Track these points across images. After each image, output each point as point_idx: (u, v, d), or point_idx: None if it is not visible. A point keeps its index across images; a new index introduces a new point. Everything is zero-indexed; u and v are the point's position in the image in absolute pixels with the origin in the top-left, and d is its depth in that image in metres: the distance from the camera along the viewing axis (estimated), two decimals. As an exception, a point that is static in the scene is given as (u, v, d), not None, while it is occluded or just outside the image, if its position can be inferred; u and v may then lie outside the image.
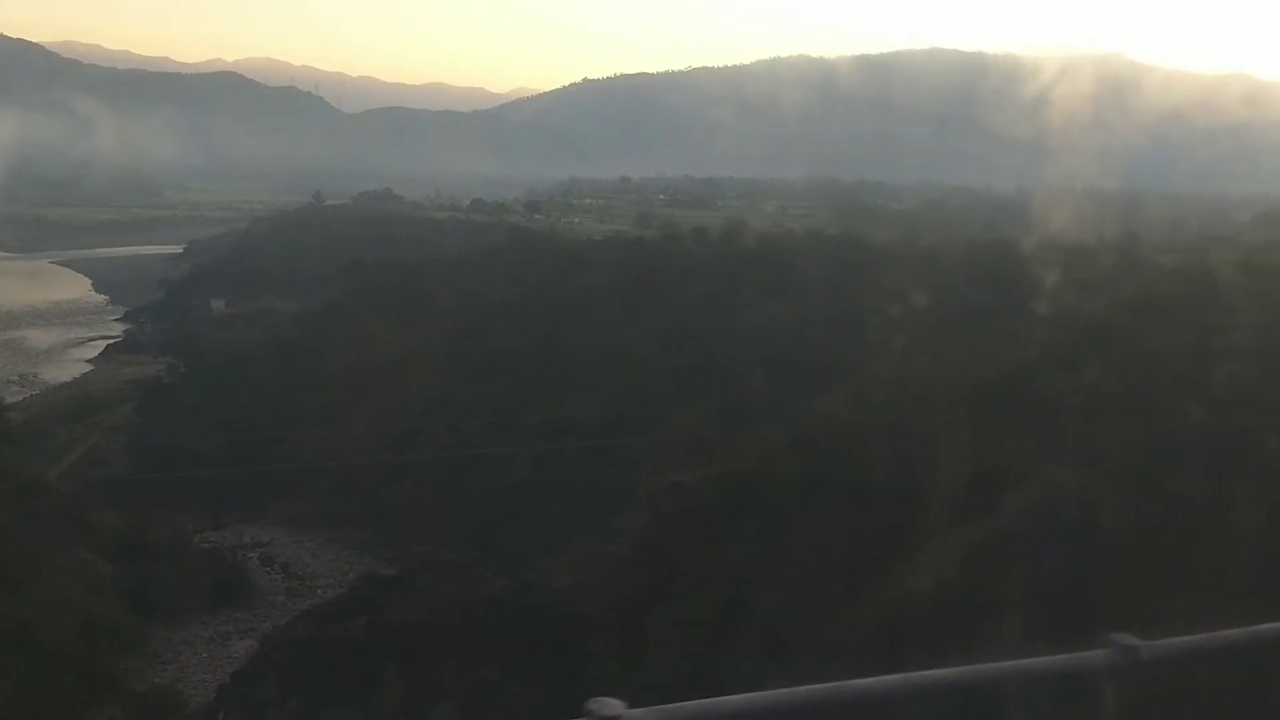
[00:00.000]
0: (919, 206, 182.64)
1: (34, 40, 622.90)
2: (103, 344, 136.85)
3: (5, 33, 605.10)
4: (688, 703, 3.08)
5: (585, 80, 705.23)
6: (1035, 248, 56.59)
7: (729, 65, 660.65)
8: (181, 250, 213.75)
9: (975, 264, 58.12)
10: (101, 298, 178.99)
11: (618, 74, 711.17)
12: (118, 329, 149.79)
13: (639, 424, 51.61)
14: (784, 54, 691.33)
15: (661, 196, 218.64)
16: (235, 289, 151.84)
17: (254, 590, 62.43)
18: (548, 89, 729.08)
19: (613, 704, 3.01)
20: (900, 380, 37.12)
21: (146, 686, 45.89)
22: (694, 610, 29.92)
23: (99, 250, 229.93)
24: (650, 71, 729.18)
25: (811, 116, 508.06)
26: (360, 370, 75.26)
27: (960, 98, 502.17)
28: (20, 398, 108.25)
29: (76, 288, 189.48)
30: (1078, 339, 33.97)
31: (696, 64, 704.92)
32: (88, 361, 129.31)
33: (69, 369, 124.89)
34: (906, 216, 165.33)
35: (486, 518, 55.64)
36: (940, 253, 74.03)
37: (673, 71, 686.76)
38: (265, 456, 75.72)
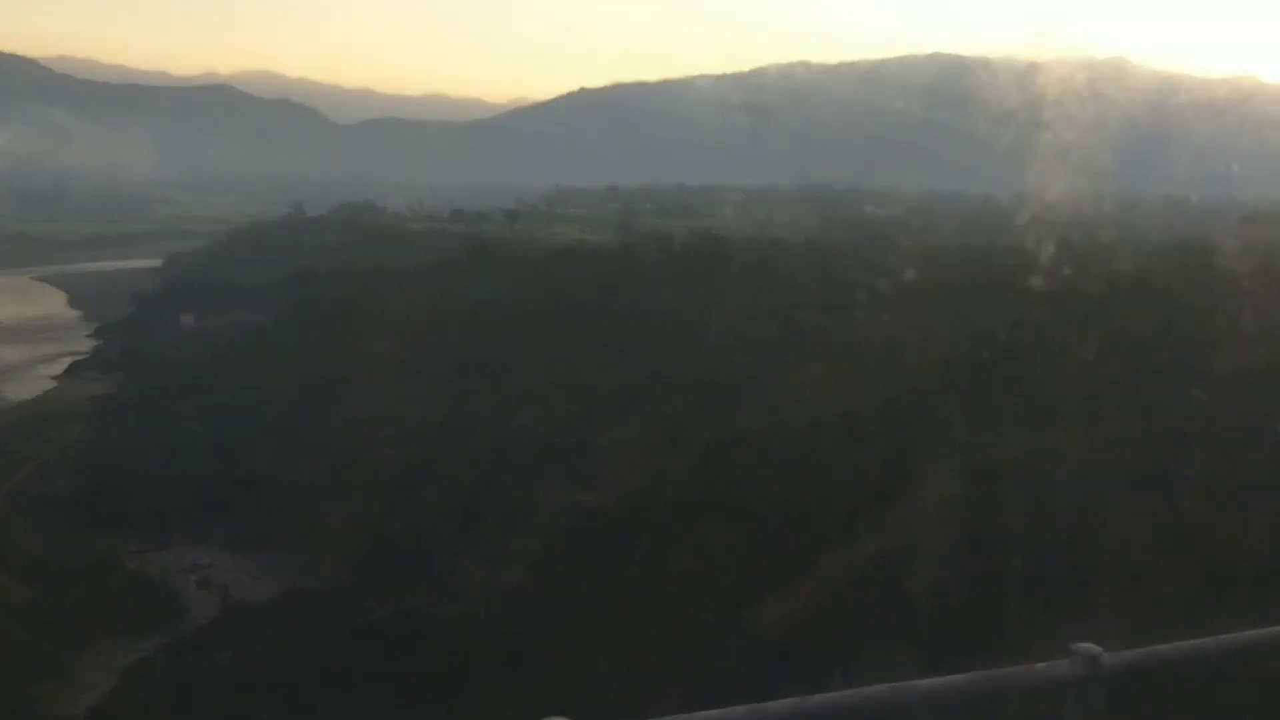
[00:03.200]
0: (904, 213, 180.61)
1: (26, 55, 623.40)
2: (69, 360, 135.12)
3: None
4: None
5: (582, 89, 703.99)
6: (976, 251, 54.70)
7: (727, 73, 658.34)
8: (160, 264, 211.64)
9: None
10: (75, 313, 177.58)
11: (615, 83, 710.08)
12: (87, 345, 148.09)
13: (572, 443, 49.76)
14: (782, 60, 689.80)
15: (649, 205, 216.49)
16: (204, 303, 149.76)
17: (185, 613, 60.45)
18: (545, 98, 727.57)
19: None
20: (806, 395, 35.41)
21: (55, 714, 43.92)
22: (575, 638, 28.11)
23: (81, 265, 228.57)
24: (648, 80, 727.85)
25: (809, 123, 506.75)
26: (301, 384, 73.43)
27: (957, 103, 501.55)
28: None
29: (52, 303, 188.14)
30: (978, 344, 32.28)
31: (695, 72, 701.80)
32: (52, 378, 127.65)
33: (32, 386, 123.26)
34: (888, 223, 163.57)
35: (417, 538, 53.73)
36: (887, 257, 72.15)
37: (670, 80, 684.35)
38: (206, 476, 74.14)
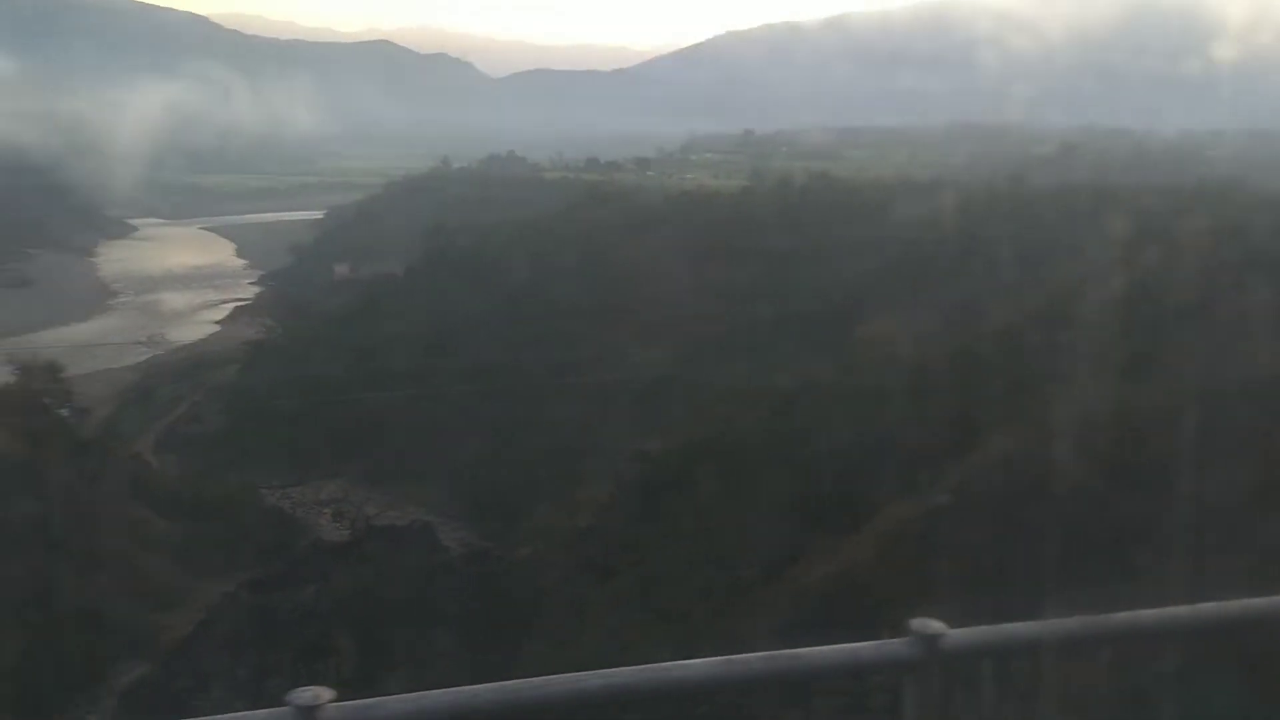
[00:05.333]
0: (1057, 150, 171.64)
1: (200, 13, 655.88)
2: (231, 306, 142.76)
3: (174, 6, 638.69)
4: (397, 696, 2.94)
5: (729, 32, 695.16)
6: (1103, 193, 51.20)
7: (880, 10, 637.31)
8: (321, 216, 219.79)
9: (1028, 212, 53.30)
10: (241, 262, 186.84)
11: (763, 24, 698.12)
12: (250, 292, 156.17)
13: (658, 388, 49.70)
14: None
15: (785, 149, 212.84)
16: (357, 254, 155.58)
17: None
18: (692, 44, 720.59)
19: (316, 694, 2.86)
20: (884, 343, 34.18)
21: (171, 640, 46.95)
22: (626, 587, 28.22)
23: (248, 216, 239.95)
24: (796, 20, 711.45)
25: (965, 61, 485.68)
26: (428, 331, 75.66)
27: (1127, 37, 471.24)
28: (143, 357, 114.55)
29: (220, 252, 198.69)
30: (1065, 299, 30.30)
31: (846, 8, 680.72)
32: (215, 323, 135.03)
33: (196, 330, 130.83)
34: (1041, 161, 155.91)
35: (519, 480, 55.02)
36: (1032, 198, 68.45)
37: (820, 19, 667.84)
38: (342, 416, 77.44)
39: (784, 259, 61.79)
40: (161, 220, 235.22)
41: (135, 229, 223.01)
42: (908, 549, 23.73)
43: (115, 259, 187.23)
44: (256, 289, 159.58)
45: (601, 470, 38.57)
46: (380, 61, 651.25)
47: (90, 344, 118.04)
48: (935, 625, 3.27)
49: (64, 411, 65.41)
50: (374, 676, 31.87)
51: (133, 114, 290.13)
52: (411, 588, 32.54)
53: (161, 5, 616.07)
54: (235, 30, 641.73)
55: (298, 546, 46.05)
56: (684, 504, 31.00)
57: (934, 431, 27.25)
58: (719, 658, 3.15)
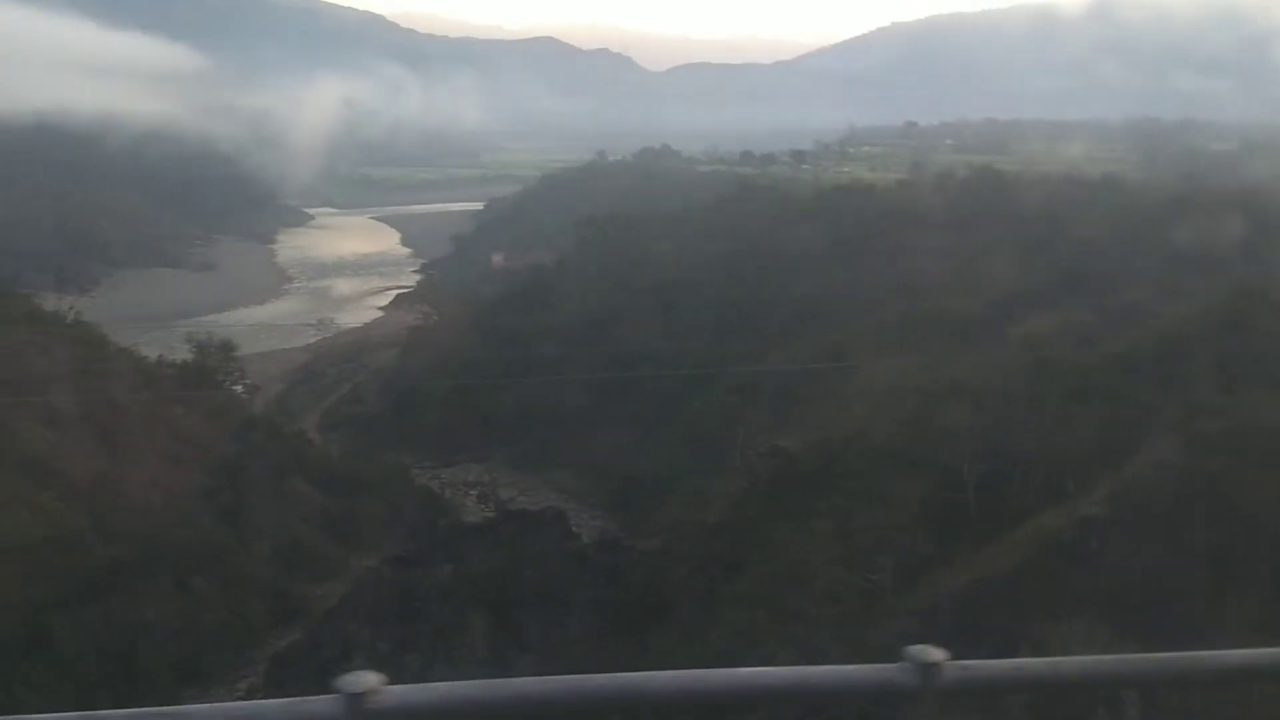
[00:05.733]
0: (1238, 148, 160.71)
1: (378, 12, 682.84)
2: (394, 293, 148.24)
3: (354, 6, 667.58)
4: (447, 683, 3.01)
5: (894, 24, 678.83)
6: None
7: (1051, 2, 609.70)
8: (482, 207, 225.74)
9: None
10: (405, 251, 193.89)
11: (929, 16, 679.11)
12: (412, 280, 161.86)
13: (800, 385, 48.77)
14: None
15: (949, 142, 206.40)
16: (513, 243, 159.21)
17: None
18: (854, 35, 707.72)
19: (369, 679, 2.92)
20: (1037, 346, 32.39)
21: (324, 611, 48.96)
22: (753, 586, 27.74)
23: (413, 207, 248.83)
24: (965, 12, 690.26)
25: (1141, 54, 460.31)
26: (577, 320, 76.65)
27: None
28: (313, 339, 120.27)
29: (386, 241, 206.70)
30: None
31: (1016, 1, 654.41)
32: (379, 309, 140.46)
33: (362, 315, 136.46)
34: (1224, 158, 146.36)
35: (660, 471, 55.15)
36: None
37: (989, 11, 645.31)
38: (492, 401, 79.25)
39: (938, 254, 59.76)
40: (335, 210, 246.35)
41: (311, 218, 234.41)
42: (1051, 562, 22.47)
43: (292, 246, 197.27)
44: (418, 277, 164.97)
45: (738, 464, 38.13)
46: (544, 57, 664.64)
47: (266, 325, 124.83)
48: (935, 653, 3.07)
49: (238, 388, 69.35)
50: (506, 657, 32.42)
51: (311, 108, 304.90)
52: (542, 573, 32.96)
53: (343, 4, 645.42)
54: (410, 29, 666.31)
55: (439, 526, 47.14)
56: (818, 502, 30.28)
57: (1087, 438, 25.75)
58: (721, 670, 3.06)
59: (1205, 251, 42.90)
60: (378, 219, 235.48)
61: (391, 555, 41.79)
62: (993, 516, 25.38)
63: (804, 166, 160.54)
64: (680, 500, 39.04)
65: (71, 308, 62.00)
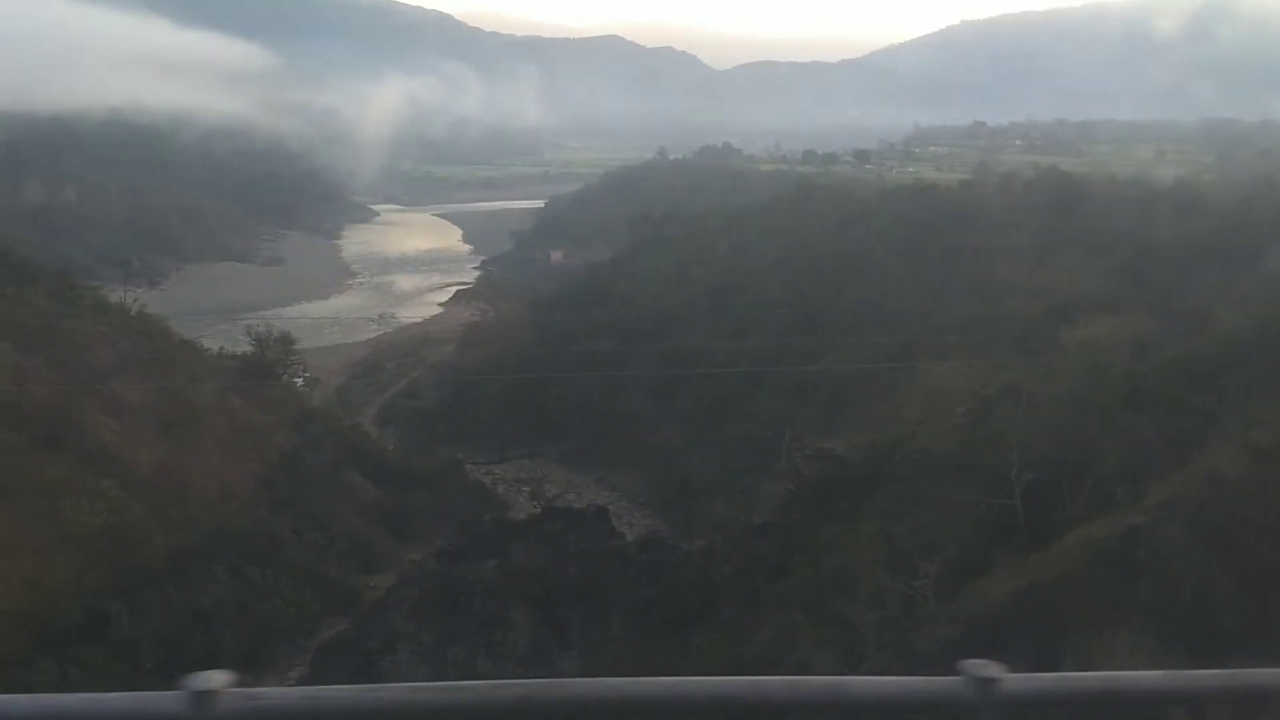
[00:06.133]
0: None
1: (446, 11, 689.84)
2: (454, 289, 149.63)
3: (423, 5, 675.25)
4: (291, 689, 3.05)
5: (963, 22, 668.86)
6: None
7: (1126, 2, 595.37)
8: (543, 204, 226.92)
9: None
10: (467, 248, 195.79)
11: (1000, 14, 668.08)
12: (472, 276, 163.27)
13: (877, 384, 48.12)
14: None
15: (1018, 142, 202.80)
16: (572, 241, 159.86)
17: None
18: (922, 34, 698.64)
19: (217, 678, 2.94)
20: (1090, 351, 31.54)
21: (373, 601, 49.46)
22: (797, 589, 27.41)
23: (475, 204, 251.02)
24: (1036, 10, 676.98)
25: (1221, 54, 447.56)
26: (630, 317, 76.64)
27: None
28: (374, 334, 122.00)
29: (449, 237, 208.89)
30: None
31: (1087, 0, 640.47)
32: (439, 305, 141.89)
33: (422, 310, 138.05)
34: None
35: (714, 469, 54.90)
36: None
37: (1060, 9, 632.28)
38: (546, 398, 79.56)
39: (999, 256, 58.69)
40: (399, 206, 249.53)
41: (376, 214, 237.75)
42: (1096, 571, 21.87)
43: (357, 241, 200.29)
44: (477, 273, 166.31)
45: (787, 465, 37.76)
46: (609, 56, 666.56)
47: (329, 320, 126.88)
48: (993, 667, 3.05)
49: (296, 381, 70.52)
50: (547, 654, 32.48)
51: (378, 106, 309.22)
52: (585, 570, 32.94)
53: (413, 4, 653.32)
54: (477, 27, 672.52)
55: (483, 522, 47.41)
56: (865, 506, 29.86)
57: (1141, 445, 25.03)
58: (771, 678, 3.09)
59: (1276, 256, 41.49)
60: (440, 216, 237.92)
61: (435, 549, 41.95)
62: (1040, 524, 24.80)
63: (867, 166, 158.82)
64: (727, 501, 38.84)
65: (136, 300, 63.48)
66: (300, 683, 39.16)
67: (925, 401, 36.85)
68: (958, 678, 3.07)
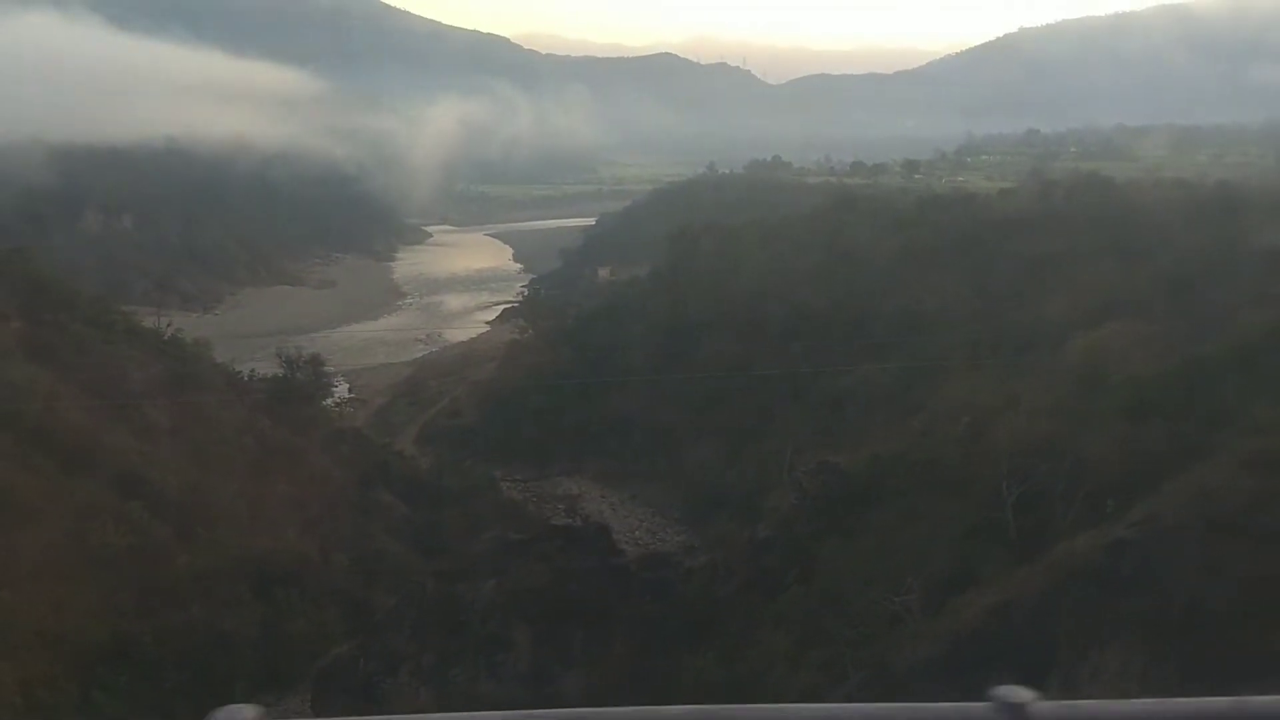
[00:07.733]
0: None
1: (502, 34, 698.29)
2: (501, 308, 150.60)
3: (479, 28, 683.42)
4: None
5: (1021, 29, 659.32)
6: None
7: (1186, 3, 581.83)
8: (594, 222, 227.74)
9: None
10: (517, 266, 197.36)
11: (1058, 20, 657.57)
12: (520, 295, 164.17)
13: (893, 396, 47.20)
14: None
15: (1073, 149, 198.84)
16: (620, 257, 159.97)
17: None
18: (980, 42, 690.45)
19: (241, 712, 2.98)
20: (1088, 360, 30.41)
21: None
22: (792, 607, 26.76)
23: (527, 223, 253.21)
24: (1097, 15, 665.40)
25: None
26: (666, 332, 76.36)
27: None
28: (420, 354, 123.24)
29: (499, 257, 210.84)
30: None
31: (1151, 3, 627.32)
32: (486, 323, 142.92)
33: (469, 329, 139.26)
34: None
35: (748, 485, 54.31)
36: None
37: (1126, 13, 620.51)
38: (582, 414, 79.52)
39: (1029, 263, 57.26)
40: (452, 227, 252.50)
41: (429, 235, 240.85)
42: (1080, 586, 20.98)
43: (409, 263, 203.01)
44: (525, 291, 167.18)
45: (789, 479, 37.09)
46: (663, 73, 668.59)
47: (377, 339, 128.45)
48: (1022, 693, 2.96)
49: (327, 401, 71.27)
50: (549, 673, 32.14)
51: (433, 129, 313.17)
52: (586, 589, 32.57)
53: (468, 28, 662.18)
54: (532, 49, 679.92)
55: (484, 540, 47.38)
56: (863, 521, 29.13)
57: (1135, 455, 24.01)
58: (798, 704, 3.09)
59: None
60: (492, 235, 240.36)
61: (435, 569, 41.93)
62: (1029, 537, 23.91)
63: (916, 176, 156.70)
64: (730, 516, 38.12)
65: (169, 324, 64.73)
66: (308, 706, 39.25)
67: (930, 413, 35.93)
68: (987, 703, 2.99)
